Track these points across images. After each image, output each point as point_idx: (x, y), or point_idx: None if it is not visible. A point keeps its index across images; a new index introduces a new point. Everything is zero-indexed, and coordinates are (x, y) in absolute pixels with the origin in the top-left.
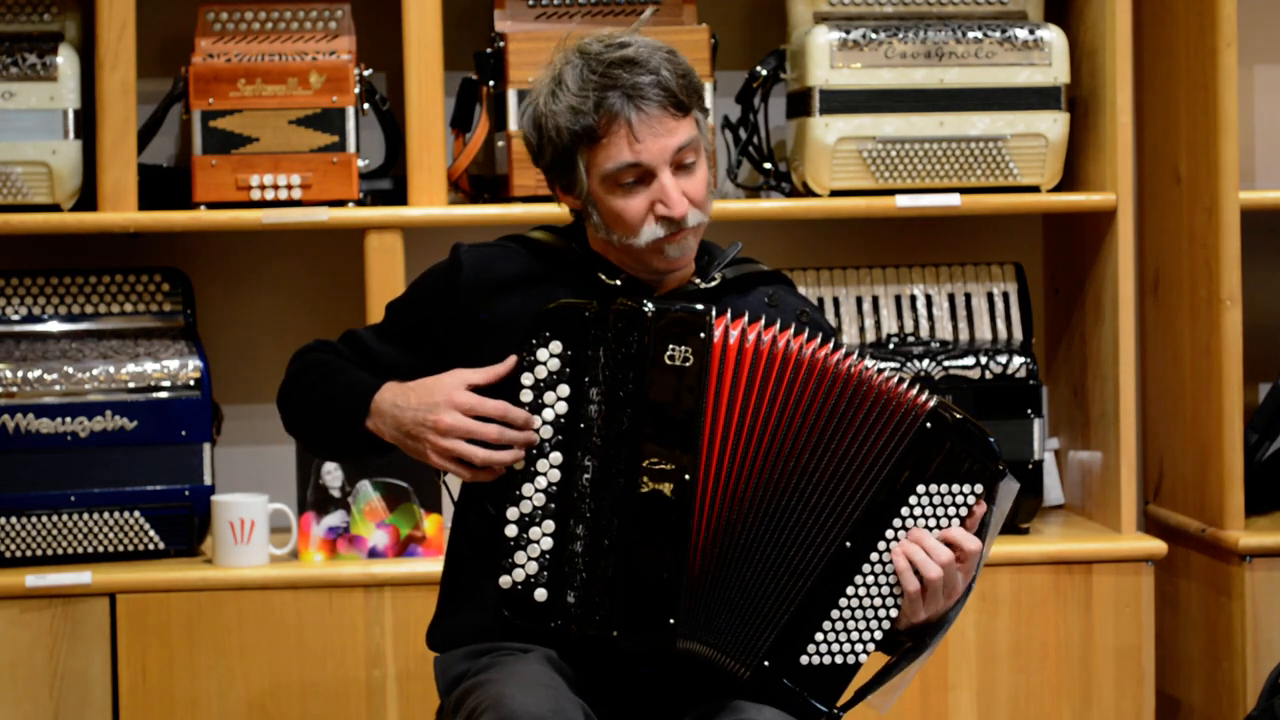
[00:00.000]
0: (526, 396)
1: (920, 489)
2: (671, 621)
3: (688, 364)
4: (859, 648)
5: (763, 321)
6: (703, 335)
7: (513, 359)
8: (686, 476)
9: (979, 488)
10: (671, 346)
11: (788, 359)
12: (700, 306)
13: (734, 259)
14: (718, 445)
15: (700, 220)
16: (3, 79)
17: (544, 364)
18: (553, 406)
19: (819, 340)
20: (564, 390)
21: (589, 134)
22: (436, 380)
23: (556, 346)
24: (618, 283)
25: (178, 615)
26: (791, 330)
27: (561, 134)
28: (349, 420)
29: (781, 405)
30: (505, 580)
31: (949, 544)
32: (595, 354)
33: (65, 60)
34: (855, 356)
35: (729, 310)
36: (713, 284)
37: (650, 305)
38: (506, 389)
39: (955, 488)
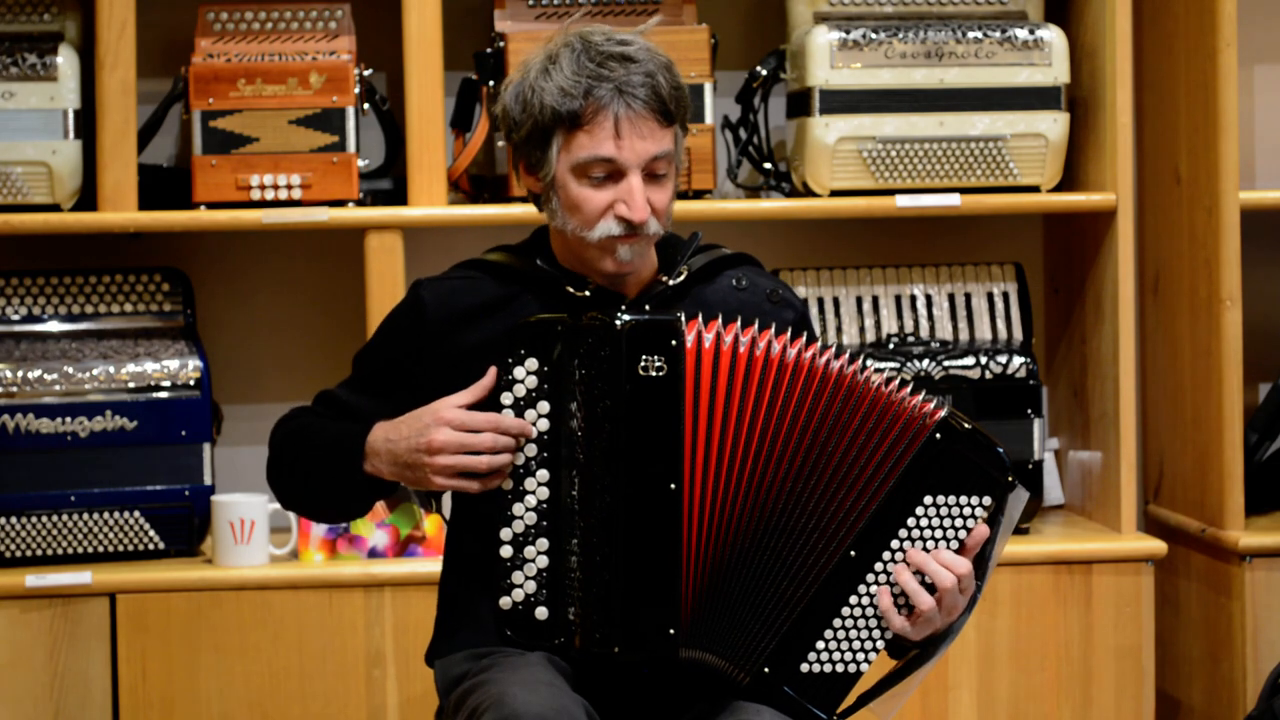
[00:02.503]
0: (509, 415)
1: (928, 499)
2: (671, 632)
3: (662, 373)
4: (861, 656)
5: (739, 323)
6: (674, 343)
7: (493, 371)
8: (672, 486)
9: (988, 499)
10: (644, 357)
11: (770, 362)
12: (671, 314)
13: (698, 247)
14: (701, 452)
15: (658, 231)
16: (3, 79)
17: (521, 382)
18: (535, 424)
19: (804, 342)
20: (544, 407)
21: (572, 118)
22: (423, 409)
23: (532, 364)
24: (586, 294)
25: (178, 615)
26: (773, 330)
27: (544, 111)
28: (346, 470)
29: (769, 410)
30: (505, 601)
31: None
32: (571, 369)
33: (65, 60)
34: (848, 359)
35: (698, 303)
36: (680, 278)
37: (620, 317)
38: (488, 409)
39: (964, 499)
